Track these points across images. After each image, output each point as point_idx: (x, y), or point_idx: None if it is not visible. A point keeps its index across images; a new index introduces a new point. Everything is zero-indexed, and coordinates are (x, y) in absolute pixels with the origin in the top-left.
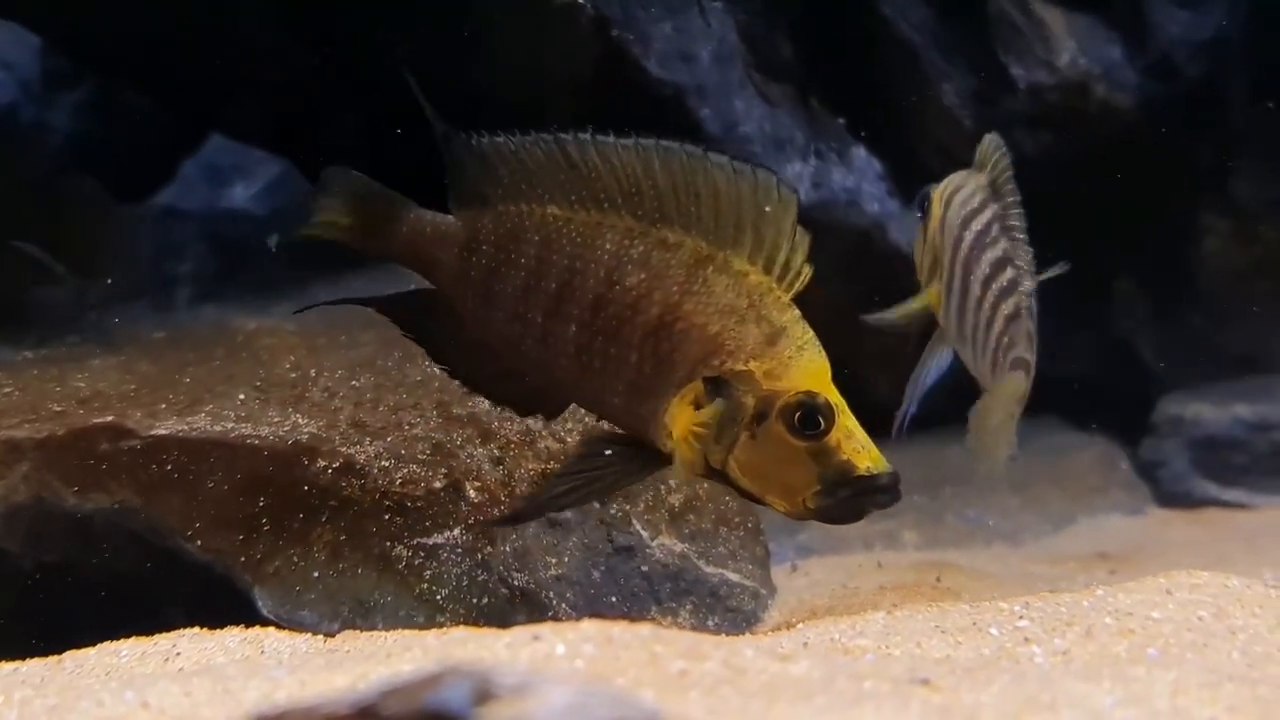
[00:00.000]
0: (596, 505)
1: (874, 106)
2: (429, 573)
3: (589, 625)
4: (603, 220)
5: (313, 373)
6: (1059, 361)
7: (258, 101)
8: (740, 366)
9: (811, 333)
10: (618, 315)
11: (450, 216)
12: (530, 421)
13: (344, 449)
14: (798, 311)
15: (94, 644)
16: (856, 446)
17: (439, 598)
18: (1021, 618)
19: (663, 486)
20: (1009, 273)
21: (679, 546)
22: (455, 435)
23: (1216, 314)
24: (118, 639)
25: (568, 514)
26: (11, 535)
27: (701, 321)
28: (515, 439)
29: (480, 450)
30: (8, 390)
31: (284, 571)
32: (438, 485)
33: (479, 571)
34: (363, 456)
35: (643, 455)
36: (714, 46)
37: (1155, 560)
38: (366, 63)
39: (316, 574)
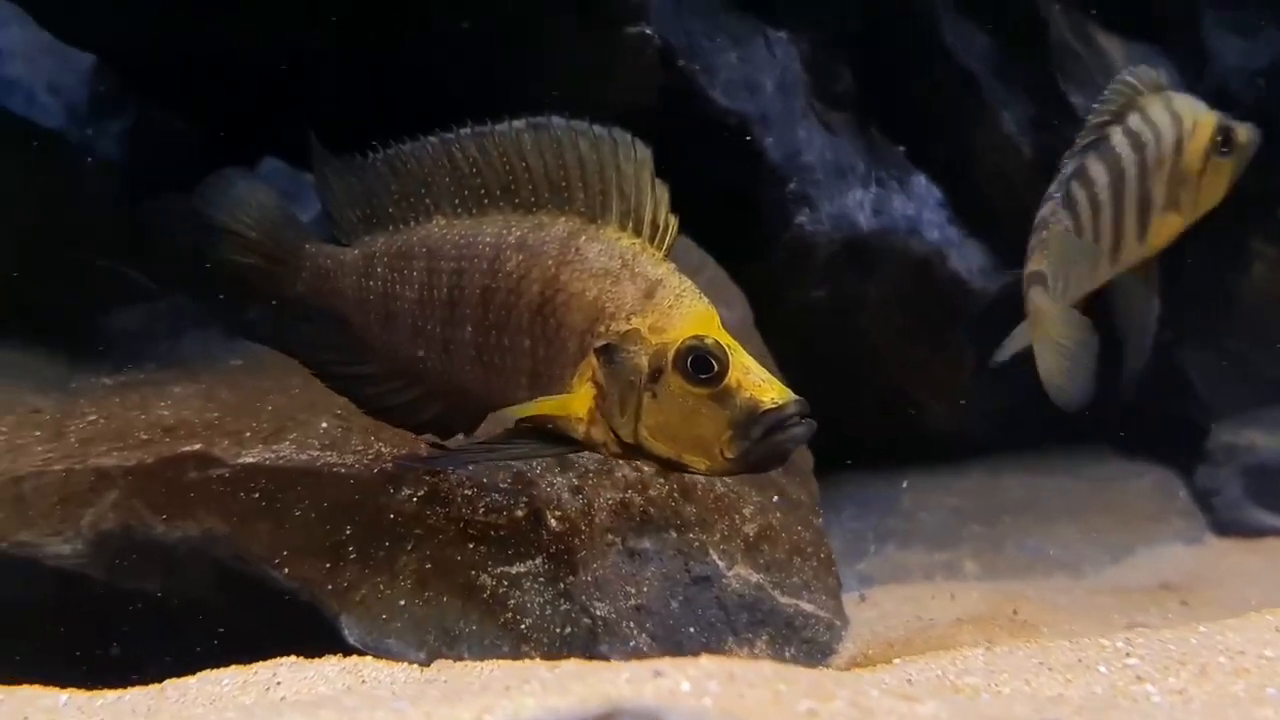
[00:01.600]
0: (674, 535)
1: (934, 135)
2: (513, 602)
3: (708, 662)
4: (483, 219)
5: None
6: (1107, 388)
7: (311, 125)
8: (624, 326)
9: (689, 282)
10: (504, 303)
11: (346, 248)
12: None
13: (427, 477)
14: (673, 265)
15: (192, 673)
16: (757, 381)
17: (523, 627)
18: (1129, 655)
19: (737, 516)
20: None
21: (754, 577)
22: (535, 463)
23: (1265, 340)
24: (215, 668)
25: (646, 543)
26: (99, 563)
27: (579, 288)
28: (593, 467)
29: (560, 479)
30: (93, 418)
31: (370, 600)
32: (519, 514)
33: (561, 601)
34: (446, 485)
35: (558, 437)
36: (778, 76)
37: (1217, 590)
38: (427, 88)
39: (402, 602)
